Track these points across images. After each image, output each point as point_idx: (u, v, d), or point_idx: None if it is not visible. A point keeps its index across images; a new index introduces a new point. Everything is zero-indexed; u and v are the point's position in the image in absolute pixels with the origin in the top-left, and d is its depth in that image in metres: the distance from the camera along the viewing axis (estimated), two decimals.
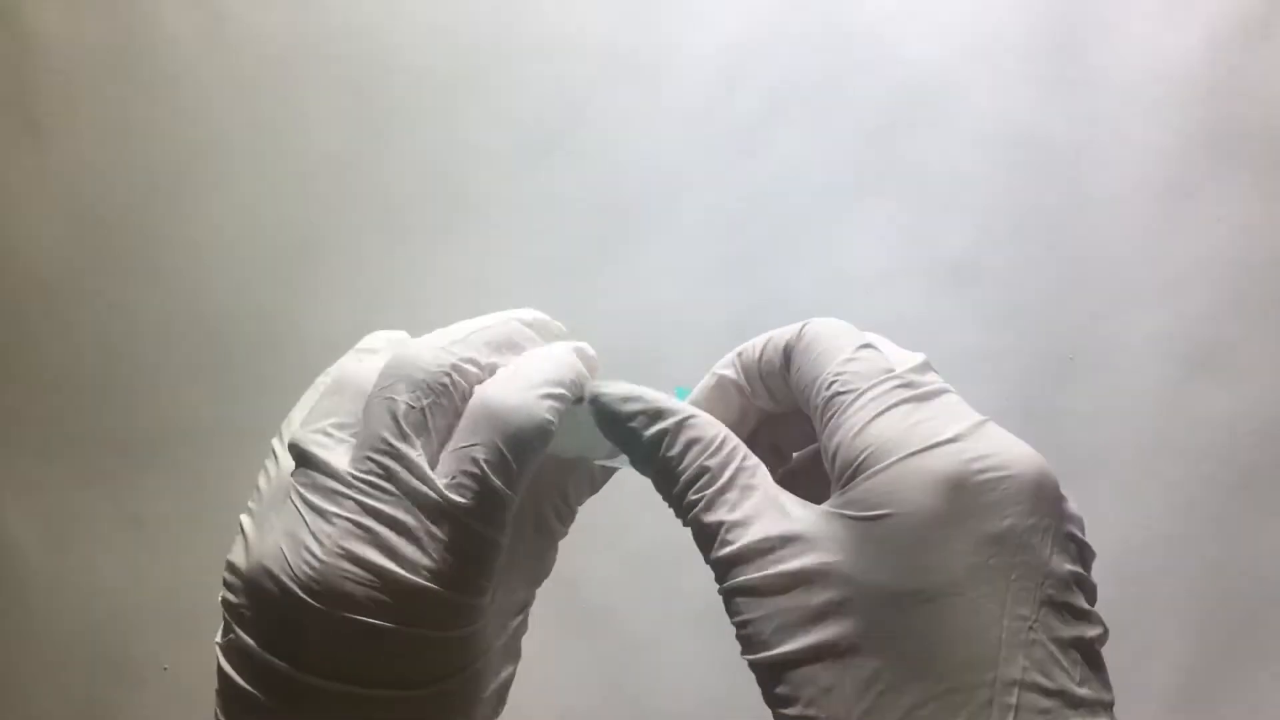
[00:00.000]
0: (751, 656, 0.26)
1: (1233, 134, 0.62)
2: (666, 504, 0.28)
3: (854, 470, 0.26)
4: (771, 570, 0.26)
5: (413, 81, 0.65)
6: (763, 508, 0.27)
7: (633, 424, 0.28)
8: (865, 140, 0.63)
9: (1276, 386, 0.62)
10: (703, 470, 0.27)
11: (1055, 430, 0.62)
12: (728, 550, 0.26)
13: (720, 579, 0.27)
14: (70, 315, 0.69)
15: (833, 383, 0.28)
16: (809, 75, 0.63)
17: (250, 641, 0.26)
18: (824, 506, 0.27)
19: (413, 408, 0.28)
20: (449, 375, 0.28)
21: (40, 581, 0.69)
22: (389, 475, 0.27)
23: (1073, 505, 0.27)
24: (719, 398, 0.32)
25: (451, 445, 0.28)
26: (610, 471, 0.33)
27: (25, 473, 0.69)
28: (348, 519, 0.26)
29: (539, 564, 0.33)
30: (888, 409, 0.27)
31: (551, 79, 0.64)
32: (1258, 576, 0.62)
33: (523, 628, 0.33)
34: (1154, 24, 0.62)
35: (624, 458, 0.29)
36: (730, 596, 0.26)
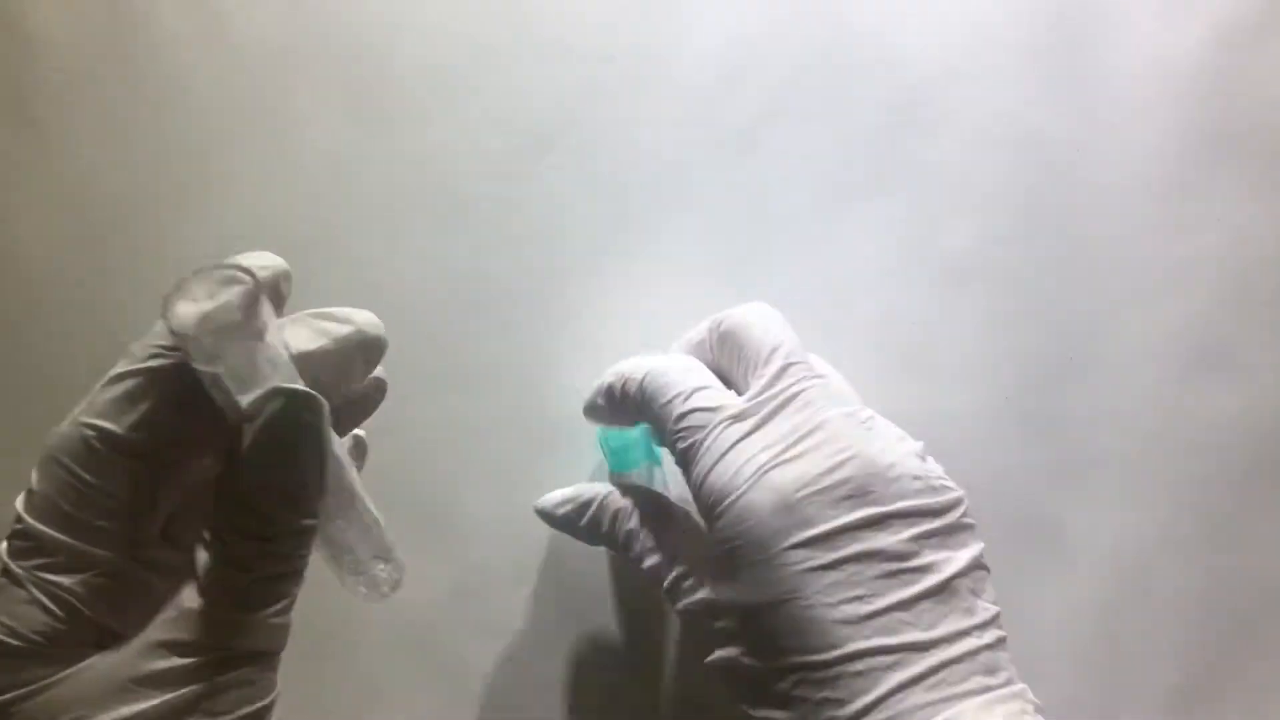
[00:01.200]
0: (708, 659, 0.34)
1: (1235, 133, 0.62)
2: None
3: (709, 514, 0.33)
4: (689, 600, 0.34)
5: (413, 81, 0.65)
6: (669, 551, 0.35)
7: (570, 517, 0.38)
8: (865, 140, 0.63)
9: (1277, 386, 0.62)
10: (632, 535, 0.36)
11: (1055, 430, 0.62)
12: (665, 583, 0.35)
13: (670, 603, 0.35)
14: (69, 315, 0.69)
15: (677, 434, 0.34)
16: (809, 75, 0.63)
17: None
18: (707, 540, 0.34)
19: None
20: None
21: None
22: None
23: (911, 462, 0.34)
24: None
25: None
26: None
27: (25, 473, 0.69)
28: None
29: None
30: (722, 454, 0.32)
31: (551, 79, 0.64)
32: (1258, 576, 0.62)
33: None
34: (1155, 23, 0.62)
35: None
36: (681, 617, 0.35)
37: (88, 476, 0.25)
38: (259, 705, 0.25)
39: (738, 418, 0.34)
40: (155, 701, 0.23)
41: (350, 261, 0.67)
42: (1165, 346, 0.62)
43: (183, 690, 0.23)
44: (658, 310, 0.63)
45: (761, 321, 0.38)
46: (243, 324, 0.25)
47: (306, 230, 0.67)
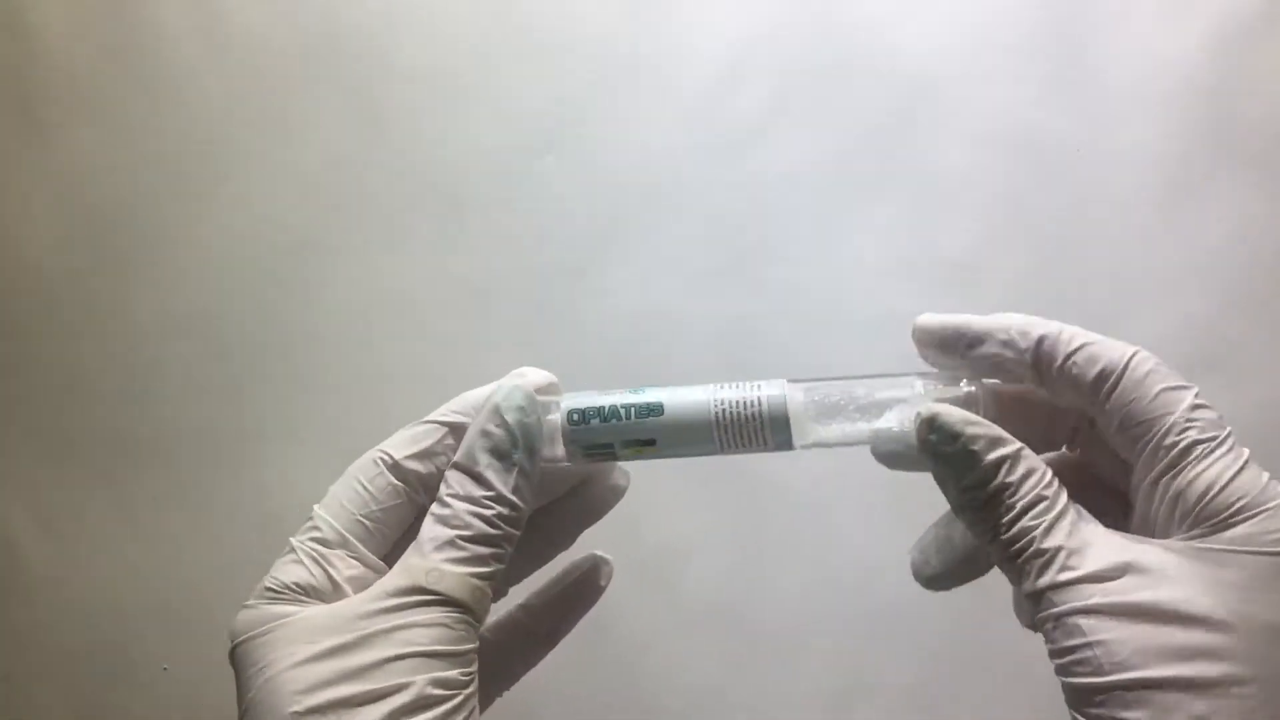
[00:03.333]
0: (1098, 679, 0.26)
1: (1233, 133, 0.62)
2: (973, 527, 0.29)
3: (1233, 512, 0.28)
4: (1131, 597, 0.27)
5: (413, 81, 0.65)
6: (1098, 537, 0.28)
7: (974, 446, 0.29)
8: (865, 140, 0.63)
9: (1277, 386, 0.62)
10: (1040, 498, 0.28)
11: None
12: (1071, 574, 0.27)
13: (1054, 600, 0.27)
14: (70, 315, 0.69)
15: (1187, 428, 0.30)
16: (809, 75, 0.63)
17: None
18: (1174, 543, 0.28)
19: None
20: None
21: (40, 581, 0.69)
22: None
23: None
24: (1006, 396, 0.32)
25: None
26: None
27: (25, 473, 0.69)
28: None
29: None
30: (1246, 463, 0.29)
31: (551, 79, 0.64)
32: None
33: None
34: (1154, 23, 0.62)
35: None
36: (1067, 617, 0.27)
37: (365, 483, 0.31)
38: (465, 649, 0.29)
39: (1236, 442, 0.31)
40: (352, 636, 0.28)
41: (350, 261, 0.67)
42: (1165, 346, 0.62)
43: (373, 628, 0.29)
44: (658, 310, 0.63)
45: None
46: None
47: (306, 230, 0.67)
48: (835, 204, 0.63)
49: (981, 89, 0.63)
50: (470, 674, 0.29)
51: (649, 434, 0.31)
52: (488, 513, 0.30)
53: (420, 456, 0.32)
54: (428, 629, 0.28)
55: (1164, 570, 0.27)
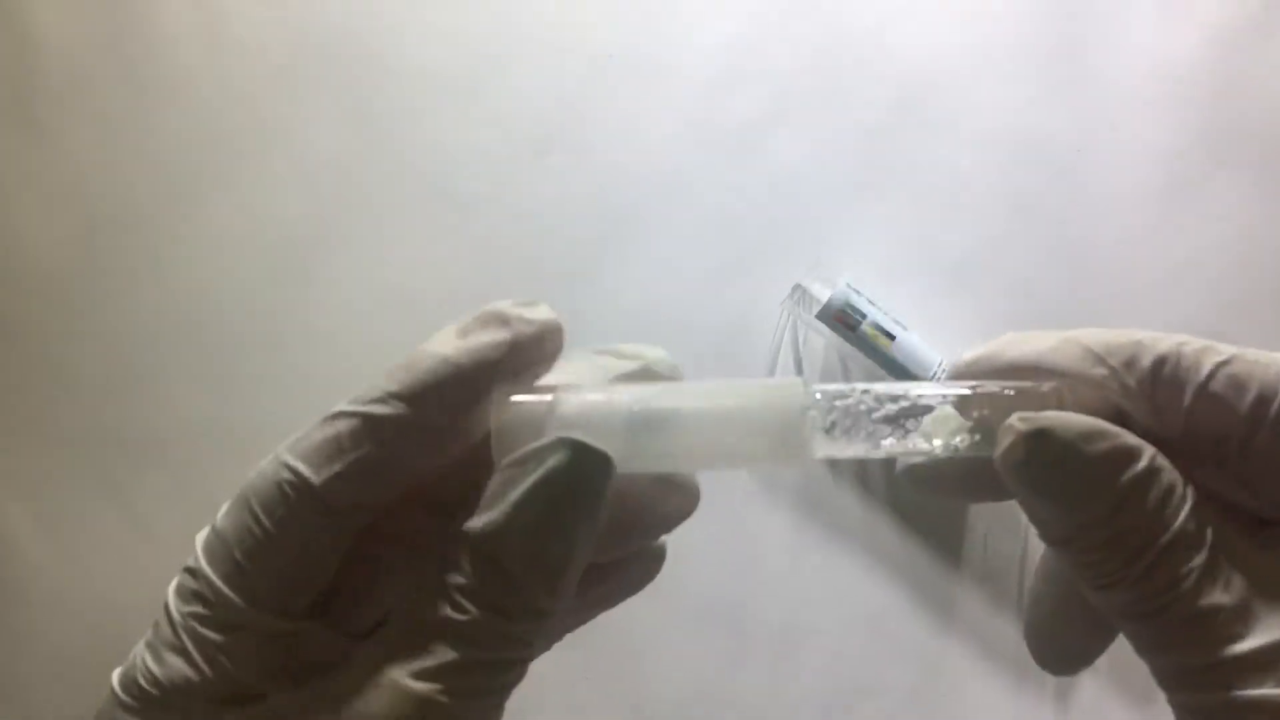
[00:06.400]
0: None
1: (1233, 133, 0.62)
2: (1086, 572, 0.21)
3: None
4: None
5: (412, 82, 0.65)
6: (1260, 586, 0.20)
7: (1102, 466, 0.20)
8: (865, 140, 0.63)
9: None
10: (1185, 533, 0.20)
11: None
12: (1241, 648, 0.19)
13: (1215, 684, 0.19)
14: (70, 315, 0.69)
15: None
16: (809, 75, 0.63)
17: None
18: None
19: None
20: None
21: (40, 581, 0.69)
22: None
23: None
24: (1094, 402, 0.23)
25: None
26: None
27: (25, 473, 0.69)
28: None
29: None
30: None
31: (551, 79, 0.64)
32: None
33: None
34: (1154, 24, 0.62)
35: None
36: (1231, 710, 0.19)
37: (269, 525, 0.21)
38: None
39: None
40: None
41: (351, 261, 0.67)
42: None
43: None
44: (658, 310, 0.63)
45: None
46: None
47: (306, 229, 0.67)
48: (835, 204, 0.63)
49: (982, 89, 0.63)
50: None
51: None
52: (521, 631, 0.21)
53: (349, 475, 0.22)
54: None
55: None
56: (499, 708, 0.21)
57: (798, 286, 0.61)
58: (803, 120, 0.63)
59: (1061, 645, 0.24)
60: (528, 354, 0.23)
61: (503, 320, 0.23)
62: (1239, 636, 0.19)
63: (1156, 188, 0.62)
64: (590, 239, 0.64)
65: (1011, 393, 0.23)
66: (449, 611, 0.20)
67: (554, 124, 0.64)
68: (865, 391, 0.24)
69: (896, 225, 0.63)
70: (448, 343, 0.23)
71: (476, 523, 0.20)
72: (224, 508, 0.23)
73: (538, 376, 0.24)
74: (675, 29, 0.64)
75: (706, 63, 0.63)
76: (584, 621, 0.26)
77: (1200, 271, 0.62)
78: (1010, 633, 0.59)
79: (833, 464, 0.61)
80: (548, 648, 0.24)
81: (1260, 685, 0.19)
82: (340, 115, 0.66)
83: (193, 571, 0.22)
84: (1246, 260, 0.62)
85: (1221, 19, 0.62)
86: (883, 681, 0.61)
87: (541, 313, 0.24)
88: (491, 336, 0.23)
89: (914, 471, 0.24)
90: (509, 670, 0.21)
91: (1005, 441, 0.21)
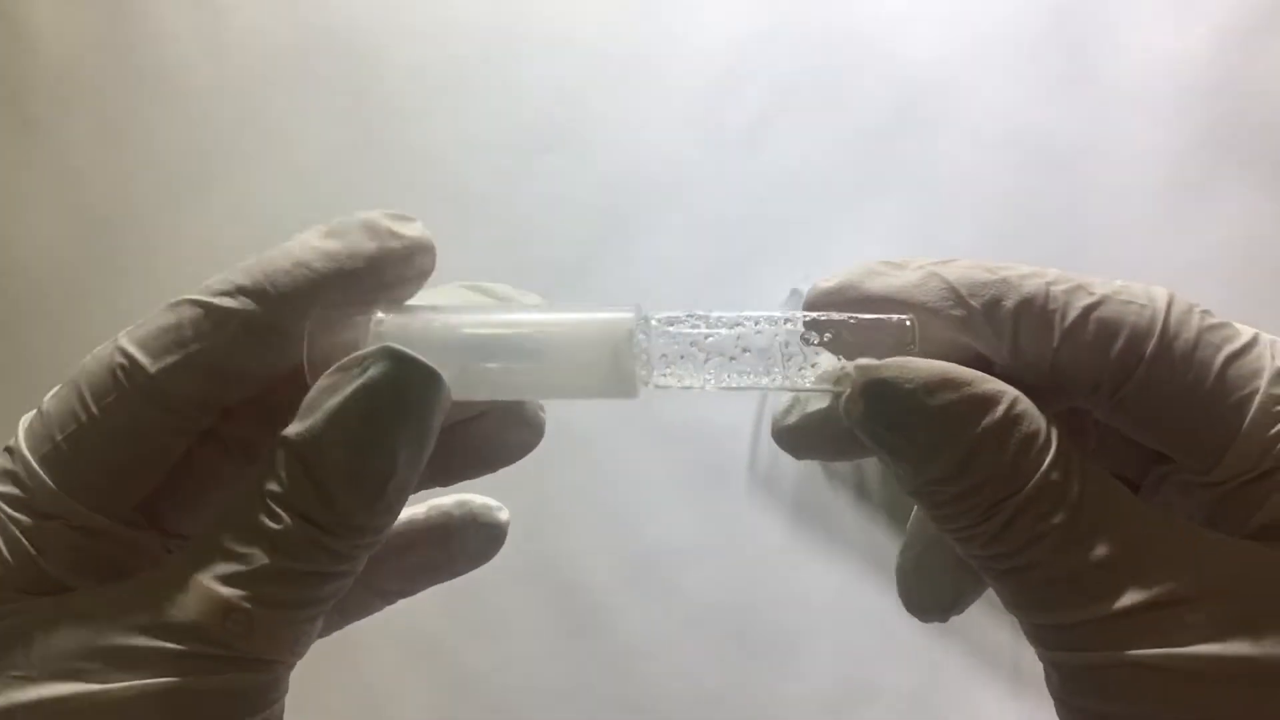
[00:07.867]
0: None
1: (1237, 133, 0.62)
2: (943, 526, 0.19)
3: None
4: (1219, 647, 0.17)
5: (412, 81, 0.65)
6: (1145, 539, 0.18)
7: (949, 419, 0.18)
8: (865, 140, 0.63)
9: None
10: (1048, 485, 0.18)
11: None
12: (1120, 606, 0.17)
13: (1086, 644, 0.17)
14: (69, 315, 0.69)
15: None
16: (810, 75, 0.63)
17: None
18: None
19: None
20: None
21: None
22: None
23: None
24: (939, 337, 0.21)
25: None
26: None
27: None
28: None
29: None
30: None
31: (551, 78, 0.64)
32: None
33: None
34: (1157, 22, 0.62)
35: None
36: (1111, 671, 0.17)
37: (95, 411, 0.20)
38: None
39: None
40: (108, 687, 0.18)
41: None
42: None
43: (149, 682, 0.18)
44: (657, 309, 0.63)
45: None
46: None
47: (305, 228, 0.67)
48: (835, 204, 0.63)
49: (983, 88, 0.63)
50: None
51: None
52: (337, 545, 0.19)
53: (188, 366, 0.20)
54: (219, 699, 0.19)
55: (1260, 593, 0.17)
56: (311, 622, 0.20)
57: (795, 291, 0.61)
58: (803, 120, 0.63)
59: (931, 591, 0.23)
60: (393, 270, 0.23)
61: (373, 231, 0.23)
62: (1112, 595, 0.17)
63: (1159, 187, 0.62)
64: (590, 239, 0.64)
65: (854, 322, 0.21)
66: (264, 519, 0.19)
67: (553, 124, 0.64)
68: (700, 316, 0.23)
69: (896, 225, 0.63)
70: (309, 246, 0.23)
71: (294, 429, 0.19)
72: (54, 390, 0.21)
73: (404, 297, 0.23)
74: (675, 29, 0.64)
75: (707, 63, 0.63)
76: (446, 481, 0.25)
77: (1205, 272, 0.62)
78: (1010, 634, 0.59)
79: (828, 468, 0.61)
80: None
81: (1140, 645, 0.17)
82: (339, 113, 0.66)
83: (10, 451, 0.21)
84: (1252, 261, 0.62)
85: (1225, 18, 0.62)
86: (883, 683, 0.61)
87: (414, 229, 0.24)
88: (356, 246, 0.23)
89: (781, 435, 0.23)
90: (323, 584, 0.19)
91: (845, 390, 0.19)
